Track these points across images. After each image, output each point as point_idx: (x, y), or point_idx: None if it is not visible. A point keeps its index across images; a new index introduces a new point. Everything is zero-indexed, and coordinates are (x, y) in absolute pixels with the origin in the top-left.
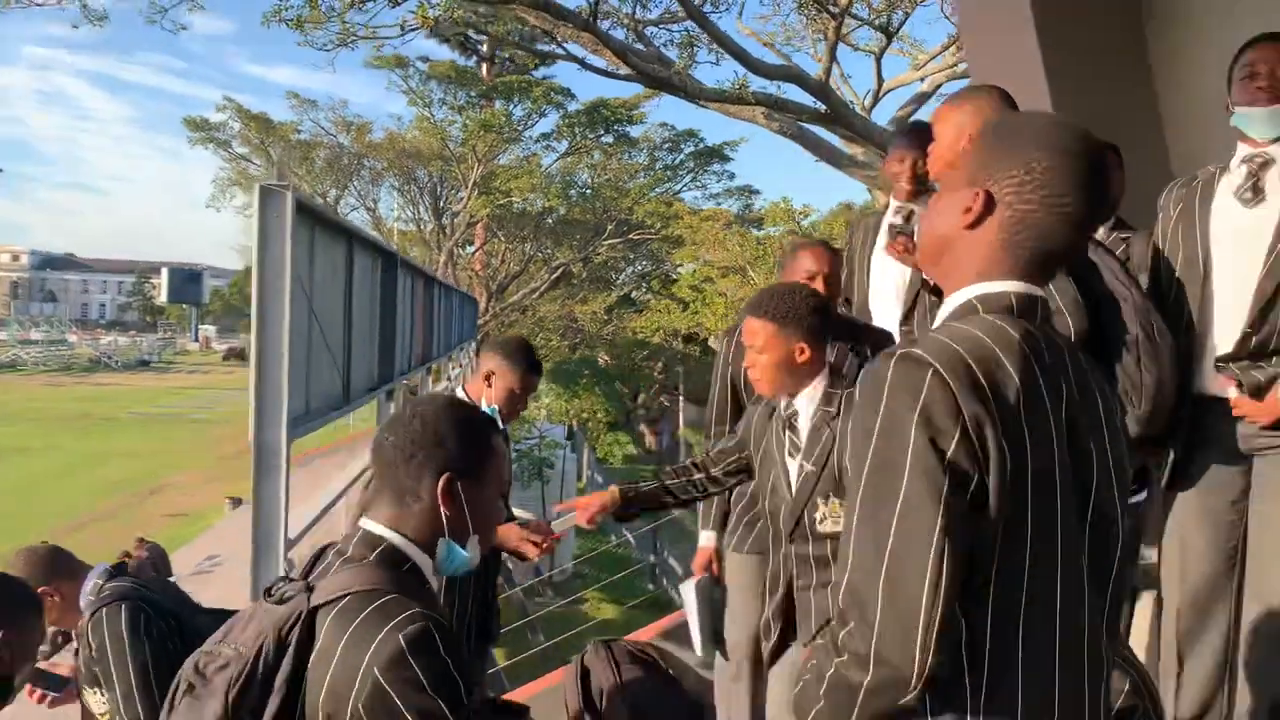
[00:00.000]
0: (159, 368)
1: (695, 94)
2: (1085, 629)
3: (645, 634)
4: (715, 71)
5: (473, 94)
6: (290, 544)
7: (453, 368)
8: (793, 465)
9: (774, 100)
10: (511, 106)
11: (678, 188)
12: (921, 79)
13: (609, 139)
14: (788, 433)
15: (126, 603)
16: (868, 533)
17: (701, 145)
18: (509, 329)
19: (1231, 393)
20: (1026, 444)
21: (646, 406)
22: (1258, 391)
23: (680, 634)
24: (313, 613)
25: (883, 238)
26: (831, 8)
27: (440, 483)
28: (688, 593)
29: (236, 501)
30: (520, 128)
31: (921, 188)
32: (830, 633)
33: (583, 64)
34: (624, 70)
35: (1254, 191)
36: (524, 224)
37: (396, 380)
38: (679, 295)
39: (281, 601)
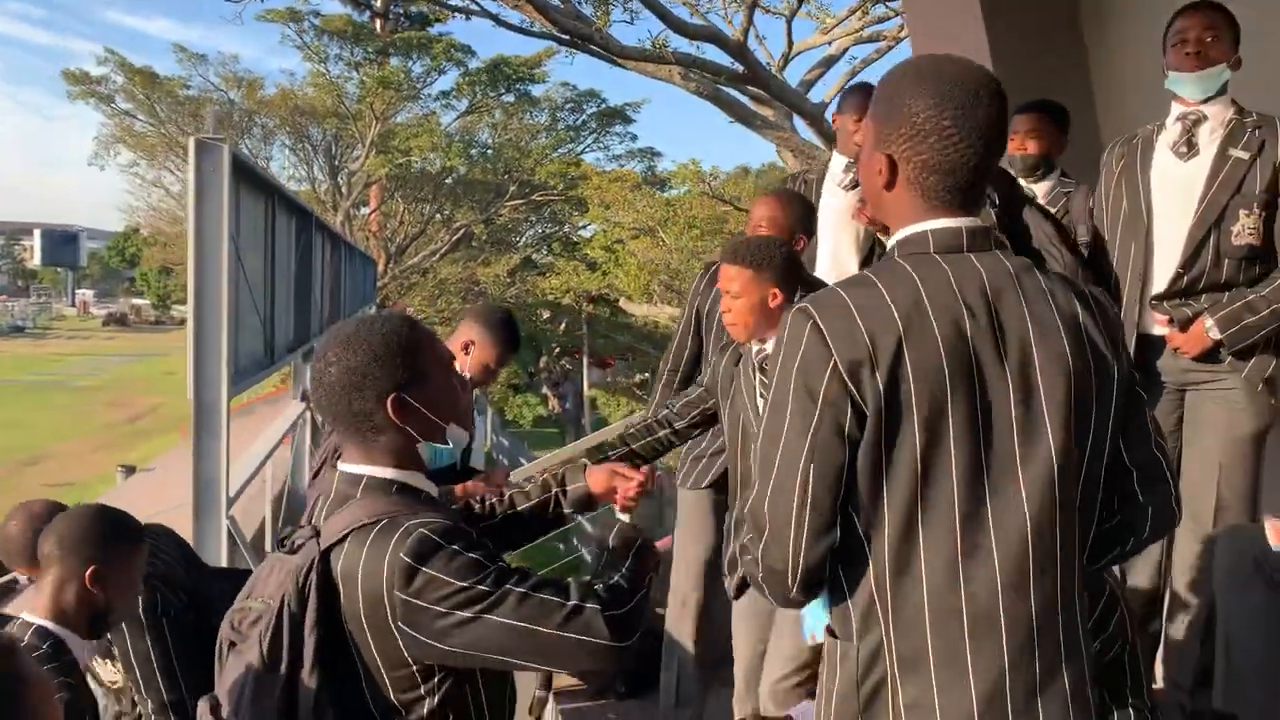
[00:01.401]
0: (34, 334)
1: (616, 52)
2: (995, 542)
3: None
4: (627, 31)
5: (369, 50)
6: (231, 503)
7: None
8: (765, 407)
9: (693, 60)
10: (410, 63)
11: (580, 149)
12: (829, 43)
13: (510, 98)
14: (758, 376)
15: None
16: (763, 459)
17: (604, 106)
18: (409, 292)
19: (1162, 330)
20: (910, 384)
21: (549, 369)
22: (1186, 324)
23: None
24: (325, 556)
25: (833, 194)
26: None
27: (389, 407)
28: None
29: (129, 470)
30: (419, 85)
31: None
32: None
33: (496, 19)
34: (539, 26)
35: (1188, 146)
36: (423, 184)
37: (313, 341)
38: (592, 256)
39: (294, 551)
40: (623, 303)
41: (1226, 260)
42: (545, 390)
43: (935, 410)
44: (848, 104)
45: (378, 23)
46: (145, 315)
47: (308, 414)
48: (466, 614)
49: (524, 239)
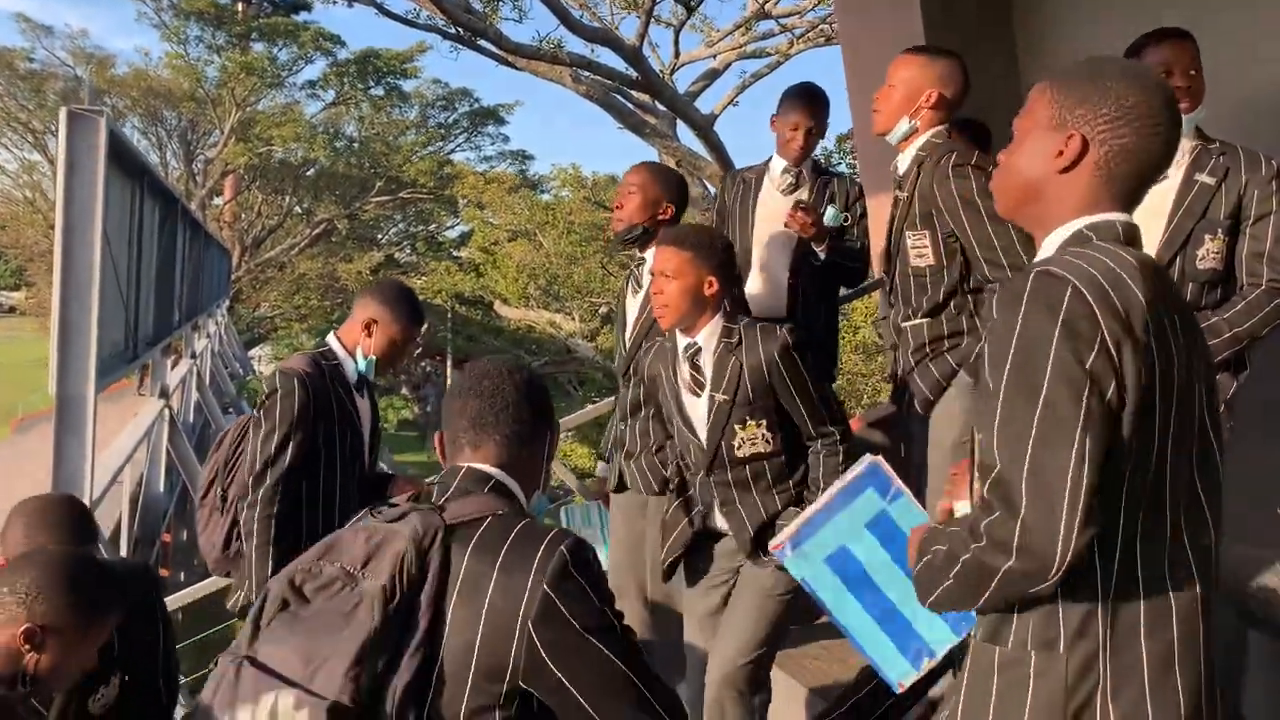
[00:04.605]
0: None
1: (509, 49)
2: (1203, 541)
3: None
4: (514, 30)
5: (232, 34)
6: (94, 506)
7: (210, 324)
8: (699, 401)
9: (588, 62)
10: (275, 50)
11: (450, 148)
12: (714, 55)
13: (379, 91)
14: (689, 369)
15: None
16: (1011, 431)
17: (477, 106)
18: (264, 286)
19: None
20: (1156, 364)
21: (409, 372)
22: None
23: None
24: (448, 532)
25: (771, 197)
26: None
27: (547, 440)
28: (564, 516)
29: None
30: (284, 73)
31: (808, 153)
32: (967, 520)
33: (380, 8)
34: (425, 17)
35: None
36: (284, 175)
37: (174, 335)
38: (470, 258)
39: (396, 520)
40: (497, 306)
41: (1190, 283)
42: (405, 391)
43: (1175, 396)
44: (793, 106)
45: (240, 6)
46: None
47: (166, 412)
48: (592, 639)
49: (387, 236)
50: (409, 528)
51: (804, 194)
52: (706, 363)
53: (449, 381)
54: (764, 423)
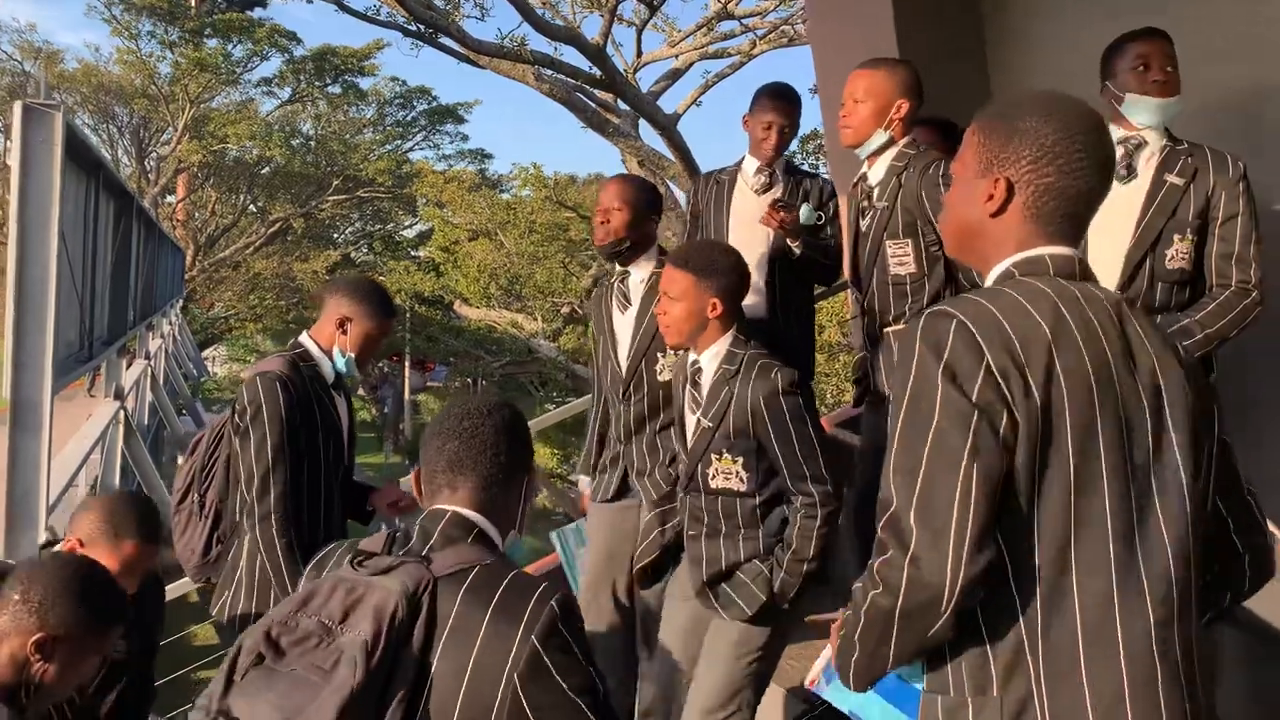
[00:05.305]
0: None
1: (472, 47)
2: (1157, 569)
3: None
4: (475, 29)
5: (185, 30)
6: (50, 511)
7: (164, 324)
8: (691, 420)
9: (552, 60)
10: (230, 46)
11: (408, 146)
12: (675, 56)
13: (336, 89)
14: (690, 388)
15: None
16: (903, 470)
17: (435, 104)
18: (219, 286)
19: None
20: (1062, 392)
21: (365, 372)
22: None
23: (551, 576)
24: (434, 583)
25: (745, 197)
26: None
27: (525, 482)
28: (555, 539)
29: None
30: (239, 70)
31: (781, 152)
32: (868, 569)
33: (340, 4)
34: (386, 13)
35: (1127, 170)
36: (238, 173)
37: (130, 333)
38: (430, 257)
39: (380, 573)
40: (457, 306)
41: (1160, 284)
42: (361, 391)
43: (1086, 425)
44: (766, 105)
45: (194, 1)
46: None
47: (121, 414)
48: (576, 699)
49: (344, 236)
50: (398, 583)
51: (778, 193)
52: (705, 384)
53: (406, 382)
54: (740, 460)
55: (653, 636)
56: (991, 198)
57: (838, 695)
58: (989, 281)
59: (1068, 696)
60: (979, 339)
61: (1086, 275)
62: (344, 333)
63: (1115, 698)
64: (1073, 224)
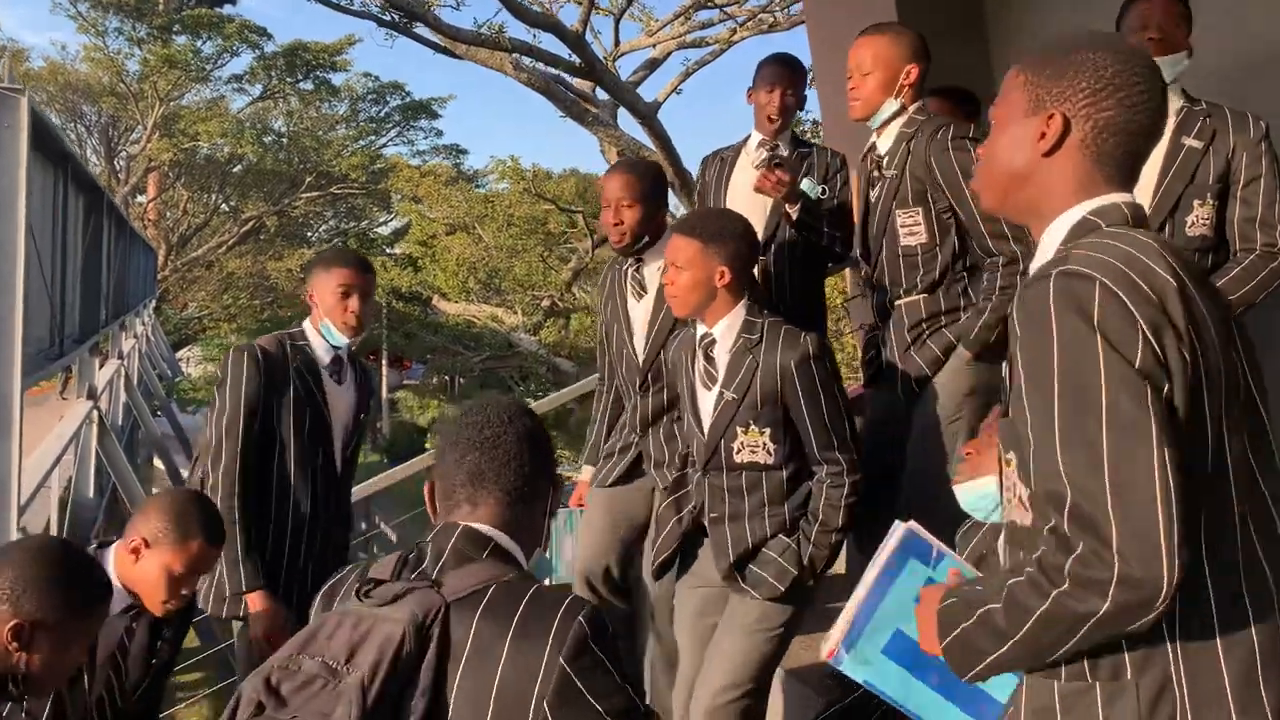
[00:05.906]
0: None
1: (449, 35)
2: (1273, 530)
3: None
4: (451, 17)
5: (153, 26)
6: (23, 510)
7: (137, 324)
8: (709, 395)
9: (531, 48)
10: (199, 43)
11: (381, 142)
12: (654, 45)
13: (308, 85)
14: (703, 361)
15: None
16: (1078, 454)
17: (409, 99)
18: (191, 286)
19: None
20: (1197, 346)
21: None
22: None
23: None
24: (446, 609)
25: (743, 173)
26: None
27: (550, 496)
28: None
29: None
30: (209, 67)
31: (786, 122)
32: (1036, 563)
33: None
34: (359, 4)
35: None
36: (210, 172)
37: (102, 332)
38: (408, 252)
39: (388, 603)
40: (436, 301)
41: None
42: None
43: (1218, 383)
44: (769, 74)
45: None
46: None
47: (95, 413)
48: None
49: (318, 233)
50: (406, 613)
51: (782, 152)
52: (720, 356)
53: (384, 380)
54: (767, 431)
55: (662, 621)
56: (1044, 136)
57: (854, 668)
58: (1053, 233)
59: (1209, 677)
60: (1126, 299)
61: (1148, 225)
62: (316, 304)
63: (1248, 676)
64: (1132, 164)
